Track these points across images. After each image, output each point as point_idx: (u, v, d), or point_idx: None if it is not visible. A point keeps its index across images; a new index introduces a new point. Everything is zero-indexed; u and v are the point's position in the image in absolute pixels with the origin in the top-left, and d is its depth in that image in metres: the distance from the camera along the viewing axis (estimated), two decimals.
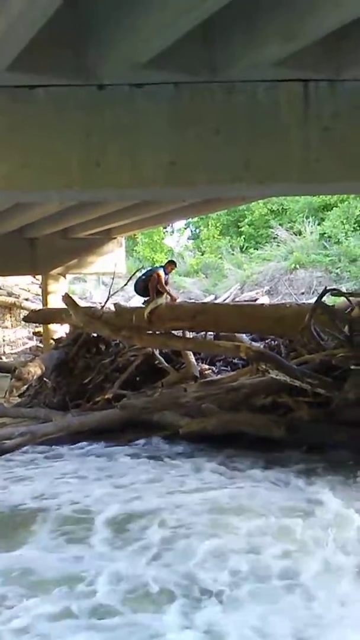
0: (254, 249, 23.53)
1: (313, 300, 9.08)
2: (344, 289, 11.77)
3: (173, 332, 10.25)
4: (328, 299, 8.96)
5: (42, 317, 15.01)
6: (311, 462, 7.86)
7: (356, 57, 5.62)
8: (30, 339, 20.56)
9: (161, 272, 10.70)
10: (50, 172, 5.91)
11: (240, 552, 5.36)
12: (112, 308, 11.32)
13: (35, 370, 11.43)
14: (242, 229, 25.17)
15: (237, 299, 18.66)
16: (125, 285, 14.06)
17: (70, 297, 12.02)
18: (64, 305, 11.81)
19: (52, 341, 13.88)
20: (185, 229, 29.56)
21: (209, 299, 19.65)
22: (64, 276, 16.69)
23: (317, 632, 4.18)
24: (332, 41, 5.38)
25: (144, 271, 11.60)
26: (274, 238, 22.36)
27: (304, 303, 10.88)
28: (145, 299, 10.82)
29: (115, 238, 16.32)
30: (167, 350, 10.74)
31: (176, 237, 29.71)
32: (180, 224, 27.68)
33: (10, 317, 21.13)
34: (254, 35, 5.20)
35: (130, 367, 10.92)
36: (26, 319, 16.13)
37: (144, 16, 4.83)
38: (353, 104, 6.13)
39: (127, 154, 5.95)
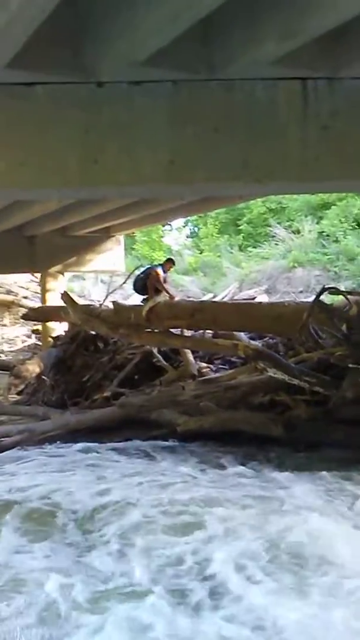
0: (253, 247, 23.52)
1: (311, 298, 9.07)
2: (342, 288, 11.78)
3: (171, 330, 10.24)
4: (326, 298, 8.94)
5: (41, 315, 14.99)
6: (311, 462, 7.87)
7: (355, 56, 5.60)
8: (28, 336, 20.51)
9: (160, 270, 10.68)
10: (49, 170, 5.90)
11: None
12: (111, 306, 11.31)
13: (33, 368, 11.48)
14: (241, 228, 25.14)
15: (235, 298, 18.68)
16: (123, 283, 14.06)
17: (69, 295, 12.00)
18: (62, 303, 11.79)
19: (50, 339, 13.87)
20: (184, 227, 29.57)
21: (207, 297, 19.65)
22: (63, 274, 16.66)
23: None
24: (331, 39, 5.36)
25: (142, 269, 11.59)
26: (273, 236, 22.36)
27: (302, 301, 10.88)
28: (144, 297, 10.82)
29: (114, 236, 16.28)
30: (165, 348, 10.72)
31: (175, 235, 29.73)
32: (179, 222, 27.67)
33: (9, 314, 21.11)
34: (253, 33, 5.19)
35: (129, 365, 10.90)
36: (25, 317, 16.09)
37: (143, 14, 4.81)
38: (352, 103, 6.13)
39: (125, 152, 5.94)
